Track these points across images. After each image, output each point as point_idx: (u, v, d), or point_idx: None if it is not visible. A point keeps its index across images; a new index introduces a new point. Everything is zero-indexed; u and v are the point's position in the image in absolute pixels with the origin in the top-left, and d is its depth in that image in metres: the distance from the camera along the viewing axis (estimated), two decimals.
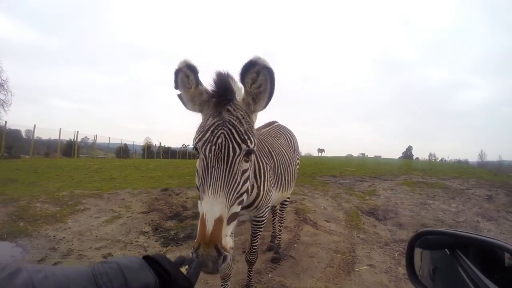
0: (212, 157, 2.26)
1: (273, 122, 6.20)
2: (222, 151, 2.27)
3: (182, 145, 78.07)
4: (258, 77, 2.37)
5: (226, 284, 4.38)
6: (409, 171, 21.07)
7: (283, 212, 6.79)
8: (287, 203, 6.79)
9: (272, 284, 5.38)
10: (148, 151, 57.11)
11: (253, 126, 2.57)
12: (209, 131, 2.35)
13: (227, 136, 2.32)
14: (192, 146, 2.45)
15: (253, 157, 2.77)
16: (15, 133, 43.00)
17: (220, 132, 2.32)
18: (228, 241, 2.10)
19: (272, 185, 4.10)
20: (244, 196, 2.44)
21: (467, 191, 13.51)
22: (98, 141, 45.30)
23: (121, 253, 6.48)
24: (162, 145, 65.52)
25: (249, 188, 2.60)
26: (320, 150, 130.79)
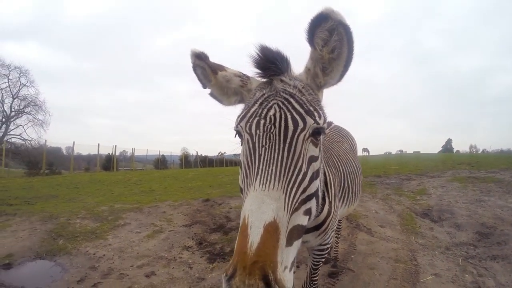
0: (261, 134, 1.64)
1: (330, 123, 5.38)
2: (277, 124, 1.64)
3: (219, 153, 78.93)
4: (331, 37, 1.72)
5: None
6: (455, 165, 20.27)
7: (340, 222, 6.26)
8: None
9: None
10: (186, 161, 57.98)
11: (320, 102, 1.93)
12: (256, 105, 1.75)
13: (282, 106, 1.70)
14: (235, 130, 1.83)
15: (321, 146, 1.96)
16: (56, 151, 45.25)
17: (272, 103, 1.72)
18: (286, 275, 1.37)
19: (339, 201, 3.42)
20: (313, 203, 1.73)
21: None
22: (136, 154, 46.45)
23: (164, 271, 6.15)
24: (199, 154, 66.29)
25: (320, 193, 1.88)
26: (365, 150, 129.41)
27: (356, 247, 7.17)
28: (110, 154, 41.03)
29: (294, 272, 1.51)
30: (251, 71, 1.89)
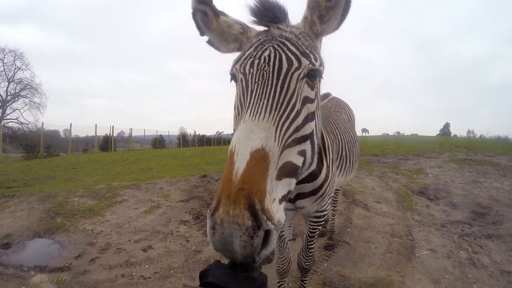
0: (255, 72, 1.61)
1: (328, 94, 5.36)
2: (271, 63, 1.61)
3: (217, 132, 78.93)
4: None
5: (284, 281, 3.84)
6: (452, 148, 20.26)
7: (336, 195, 6.29)
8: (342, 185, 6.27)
9: (330, 275, 4.95)
10: (183, 140, 57.72)
11: (318, 49, 1.90)
12: (251, 48, 1.72)
13: (278, 48, 1.67)
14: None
15: (318, 93, 1.89)
16: (53, 133, 44.99)
17: (267, 45, 1.69)
18: (275, 206, 1.29)
19: (337, 169, 3.39)
20: (308, 146, 1.69)
21: None
22: (134, 134, 46.07)
23: (161, 244, 6.20)
24: (197, 133, 66.04)
25: (316, 136, 1.82)
26: (364, 130, 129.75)
27: (352, 221, 7.21)
28: (108, 135, 40.74)
29: (282, 211, 1.37)
30: (249, 21, 1.87)
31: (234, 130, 1.66)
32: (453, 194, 9.25)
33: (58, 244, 6.35)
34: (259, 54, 1.66)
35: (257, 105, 1.50)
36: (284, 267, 3.69)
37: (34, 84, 45.16)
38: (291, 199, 2.88)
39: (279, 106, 1.52)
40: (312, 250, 3.72)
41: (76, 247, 6.13)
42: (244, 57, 1.71)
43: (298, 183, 2.63)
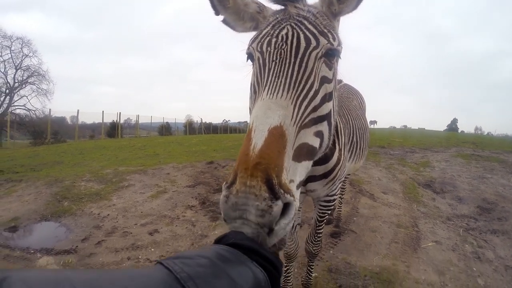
0: (272, 50, 1.59)
1: (339, 81, 5.16)
2: (288, 42, 1.59)
3: (223, 120, 78.92)
4: None
5: (291, 265, 3.81)
6: (459, 143, 20.13)
7: (345, 183, 6.29)
8: (350, 172, 6.23)
9: (336, 262, 4.98)
10: (190, 127, 57.80)
11: (336, 28, 1.88)
12: (268, 27, 1.69)
13: (295, 27, 1.64)
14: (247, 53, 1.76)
15: (335, 73, 1.89)
16: (60, 120, 45.16)
17: (285, 24, 1.66)
18: (292, 186, 1.30)
19: (348, 153, 3.39)
20: (325, 127, 1.67)
21: None
22: (141, 121, 46.18)
23: (167, 228, 6.25)
24: (203, 121, 66.00)
25: (333, 118, 1.79)
26: (373, 122, 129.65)
27: (358, 210, 7.23)
28: (115, 121, 40.84)
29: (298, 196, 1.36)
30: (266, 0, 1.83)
31: (250, 110, 1.67)
32: (459, 188, 9.22)
33: (64, 227, 6.41)
34: (276, 32, 1.63)
35: (275, 83, 1.47)
36: (292, 251, 3.68)
37: (41, 71, 45.13)
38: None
39: (296, 84, 1.50)
40: (321, 235, 3.72)
41: (83, 230, 6.18)
42: (261, 35, 1.68)
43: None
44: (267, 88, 1.47)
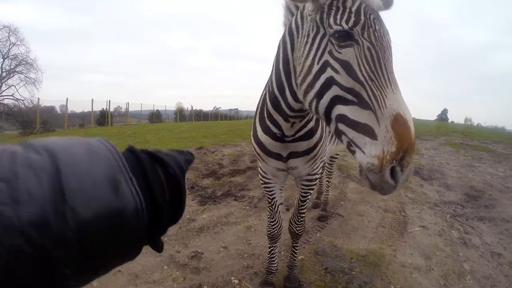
0: (380, 46, 1.70)
1: None
2: (385, 39, 1.75)
3: (214, 108, 78.81)
4: None
5: (275, 246, 3.84)
6: (448, 132, 20.38)
7: (332, 166, 6.29)
8: (337, 156, 6.36)
9: (322, 245, 5.00)
10: (180, 115, 57.35)
11: None
12: (362, 14, 1.73)
13: (380, 22, 1.80)
14: (337, 30, 1.74)
15: None
16: (49, 110, 44.51)
17: (372, 16, 1.76)
18: None
19: (329, 134, 3.42)
20: None
21: None
22: (131, 109, 45.72)
23: None
24: (194, 108, 65.75)
25: None
26: None
27: (346, 194, 7.30)
28: (105, 109, 40.38)
29: None
30: None
31: (332, 85, 1.76)
32: (447, 176, 9.35)
33: None
34: (373, 25, 1.73)
35: (394, 79, 1.67)
36: (275, 231, 3.71)
37: (29, 60, 44.04)
38: (283, 158, 2.91)
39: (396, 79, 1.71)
40: (304, 215, 3.74)
41: None
42: (362, 23, 1.71)
43: (294, 141, 2.72)
44: (392, 82, 1.65)
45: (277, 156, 2.92)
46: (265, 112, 2.69)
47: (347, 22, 1.70)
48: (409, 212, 6.54)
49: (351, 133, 1.66)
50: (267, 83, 2.74)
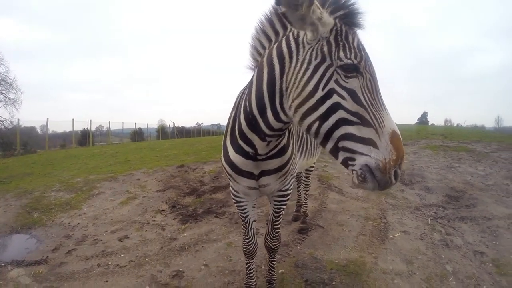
0: (374, 77, 2.03)
1: None
2: (374, 70, 2.07)
3: (196, 124, 78.59)
4: None
5: (252, 262, 3.92)
6: (428, 135, 20.62)
7: (308, 179, 6.34)
8: (312, 169, 6.37)
9: (303, 257, 5.03)
10: (163, 132, 56.97)
11: None
12: (362, 50, 2.05)
13: (369, 56, 2.09)
14: (347, 63, 1.97)
15: None
16: (30, 130, 43.82)
17: (366, 51, 2.10)
18: None
19: (298, 150, 3.61)
20: None
21: (492, 154, 12.97)
22: (112, 127, 45.27)
23: (137, 234, 6.21)
24: (176, 125, 65.41)
25: None
26: None
27: (327, 205, 7.30)
28: (86, 129, 39.91)
29: None
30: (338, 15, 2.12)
31: (339, 109, 1.99)
32: (427, 179, 9.45)
33: (35, 238, 6.30)
34: (369, 60, 2.06)
35: (384, 103, 1.99)
36: (251, 248, 3.76)
37: (8, 80, 43.34)
38: (255, 176, 2.98)
39: None
40: (278, 231, 3.81)
41: (53, 240, 6.09)
42: (364, 58, 2.01)
43: (267, 159, 2.81)
44: (385, 106, 1.98)
45: (249, 175, 2.98)
46: (237, 132, 2.74)
47: (355, 57, 1.96)
48: (390, 218, 6.58)
49: (356, 146, 1.91)
50: (236, 104, 2.84)
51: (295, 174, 3.51)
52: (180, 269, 4.82)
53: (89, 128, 38.74)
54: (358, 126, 1.90)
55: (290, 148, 2.94)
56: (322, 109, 1.98)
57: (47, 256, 5.44)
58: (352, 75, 1.94)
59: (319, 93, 1.99)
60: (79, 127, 39.51)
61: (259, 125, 2.48)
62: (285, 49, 2.21)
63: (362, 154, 1.89)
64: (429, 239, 5.74)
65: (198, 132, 70.58)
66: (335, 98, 1.95)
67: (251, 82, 2.52)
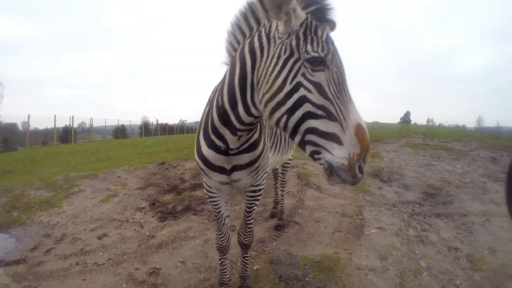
0: (341, 70, 2.07)
1: None
2: (342, 64, 2.11)
3: (180, 121, 78.20)
4: None
5: (225, 258, 3.99)
6: (410, 134, 20.81)
7: (284, 176, 6.40)
8: (289, 165, 6.40)
9: (278, 254, 5.10)
10: (146, 129, 56.64)
11: None
12: (330, 44, 2.09)
13: (337, 49, 2.13)
14: (314, 56, 2.02)
15: None
16: (11, 127, 42.98)
17: (335, 45, 2.14)
18: None
19: (271, 146, 3.69)
20: None
21: (471, 152, 13.11)
22: (95, 124, 44.67)
23: (116, 232, 6.22)
24: (160, 122, 64.98)
25: None
26: None
27: (304, 202, 7.38)
28: (68, 126, 39.19)
29: None
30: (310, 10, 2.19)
31: (305, 103, 2.04)
32: (406, 176, 9.55)
33: (14, 238, 6.27)
34: (337, 53, 2.10)
35: (351, 96, 2.03)
36: (224, 244, 3.82)
37: None
38: (227, 171, 3.04)
39: None
40: (251, 226, 3.88)
41: (32, 240, 6.07)
42: (332, 51, 2.06)
43: (238, 153, 2.88)
44: (351, 99, 2.02)
45: (221, 170, 3.03)
46: (210, 127, 2.80)
47: (322, 51, 2.00)
48: (367, 215, 6.67)
49: (321, 141, 1.96)
50: (210, 99, 2.91)
51: (268, 169, 3.57)
52: (157, 267, 4.86)
53: (71, 124, 38.10)
54: (323, 120, 1.95)
55: (262, 143, 3.00)
56: (289, 103, 2.02)
57: (26, 256, 5.42)
58: (318, 68, 1.99)
59: (287, 87, 2.04)
60: (61, 124, 38.77)
61: (231, 120, 2.54)
62: (256, 44, 2.27)
63: (326, 150, 1.94)
64: (405, 235, 5.83)
65: (182, 129, 70.17)
66: (301, 92, 2.00)
67: (224, 77, 2.59)
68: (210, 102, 2.88)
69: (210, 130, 2.80)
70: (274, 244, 5.46)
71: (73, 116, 37.05)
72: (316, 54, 2.00)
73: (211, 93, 3.01)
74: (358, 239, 5.62)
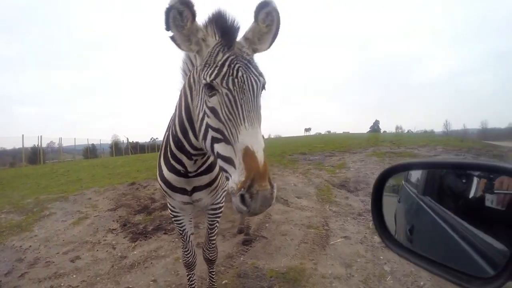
0: (238, 90, 2.04)
1: None
2: (246, 83, 2.07)
3: (151, 139, 77.40)
4: (268, 17, 2.31)
5: (192, 273, 4.15)
6: (378, 143, 21.29)
7: None
8: None
9: (245, 268, 5.29)
10: (116, 148, 55.49)
11: None
12: (225, 66, 2.10)
13: (245, 69, 2.12)
14: (204, 83, 2.11)
15: None
16: None
17: (237, 65, 2.11)
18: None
19: None
20: None
21: (436, 158, 13.48)
22: (64, 144, 43.56)
23: (88, 254, 6.29)
24: (130, 140, 64.34)
25: None
26: (307, 130, 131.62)
27: (271, 216, 7.58)
28: (36, 146, 38.01)
29: None
30: (214, 35, 2.28)
31: (208, 128, 2.13)
32: (372, 185, 9.80)
33: None
34: (235, 73, 2.06)
35: (249, 116, 1.97)
36: (190, 260, 3.99)
37: None
38: (188, 192, 3.24)
39: (258, 117, 2.04)
40: (214, 242, 4.09)
41: (5, 264, 6.07)
42: (223, 74, 2.05)
43: (197, 175, 3.10)
44: (246, 120, 1.96)
45: (182, 191, 3.25)
46: (169, 153, 3.03)
47: (210, 76, 2.06)
48: (332, 225, 6.93)
49: (224, 165, 1.99)
50: (169, 126, 3.13)
51: (226, 188, 3.74)
52: (130, 286, 4.98)
53: (39, 144, 37.23)
54: (222, 144, 2.02)
55: (218, 165, 3.20)
56: (202, 129, 2.18)
57: (0, 281, 5.46)
58: (212, 93, 2.07)
59: (200, 115, 2.20)
60: (29, 144, 37.74)
61: (185, 146, 2.76)
62: (191, 79, 2.48)
63: (229, 174, 1.95)
64: (369, 242, 6.08)
65: (153, 147, 69.49)
66: (205, 118, 2.14)
67: (175, 108, 2.84)
68: (169, 128, 3.10)
69: (169, 155, 3.03)
70: (241, 258, 5.63)
71: (41, 136, 36.02)
72: (204, 81, 2.12)
73: (170, 120, 3.21)
74: (323, 249, 5.85)
